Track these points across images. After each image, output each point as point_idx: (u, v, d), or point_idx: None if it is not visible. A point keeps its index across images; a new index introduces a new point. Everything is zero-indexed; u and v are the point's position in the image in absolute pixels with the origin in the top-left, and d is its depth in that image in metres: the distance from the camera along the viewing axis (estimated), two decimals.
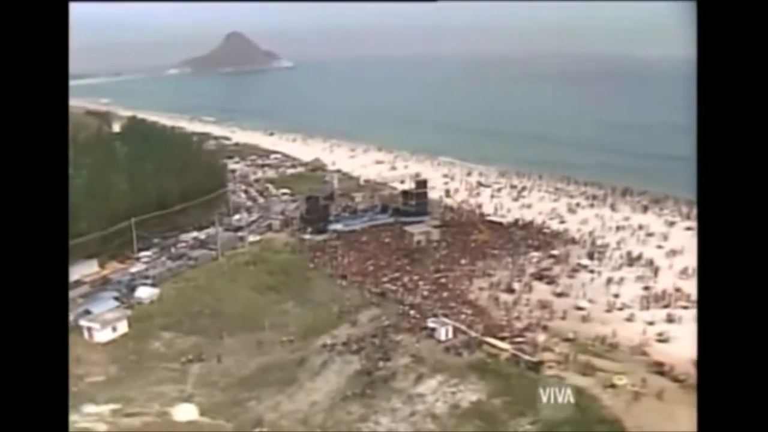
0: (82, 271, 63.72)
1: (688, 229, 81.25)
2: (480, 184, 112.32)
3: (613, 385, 41.27)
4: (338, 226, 77.96)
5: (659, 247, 74.08)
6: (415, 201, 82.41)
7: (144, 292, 59.44)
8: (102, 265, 67.11)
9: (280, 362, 49.08)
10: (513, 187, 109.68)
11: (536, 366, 44.12)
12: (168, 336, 53.24)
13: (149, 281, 63.14)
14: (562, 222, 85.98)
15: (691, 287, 59.93)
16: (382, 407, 42.55)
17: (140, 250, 72.56)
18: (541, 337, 49.14)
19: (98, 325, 49.90)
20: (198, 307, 58.57)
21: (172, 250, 73.80)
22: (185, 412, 41.54)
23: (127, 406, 41.54)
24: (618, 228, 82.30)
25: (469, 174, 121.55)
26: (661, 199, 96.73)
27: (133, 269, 67.48)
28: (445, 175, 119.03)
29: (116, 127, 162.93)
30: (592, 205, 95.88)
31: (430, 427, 40.39)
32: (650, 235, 79.13)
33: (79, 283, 61.55)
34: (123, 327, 52.51)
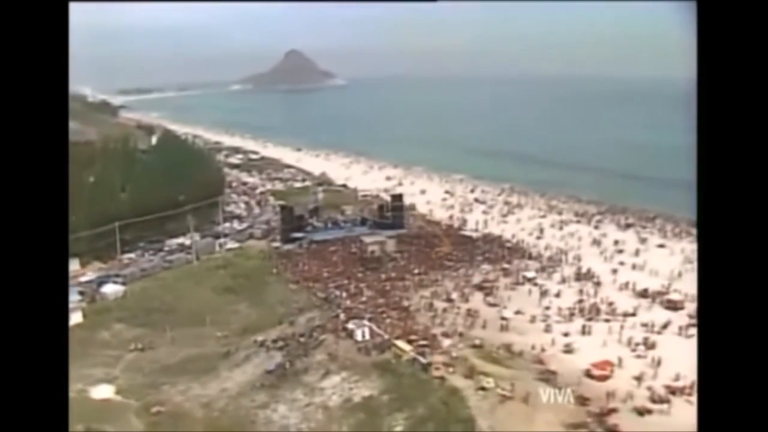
0: None
1: (660, 246, 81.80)
2: (476, 200, 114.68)
3: (483, 388, 43.60)
4: (313, 236, 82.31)
5: (621, 263, 74.80)
6: (392, 214, 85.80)
7: (109, 289, 65.52)
8: (84, 265, 73.71)
9: (206, 354, 53.51)
10: (507, 203, 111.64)
11: (426, 367, 46.92)
12: (118, 327, 58.73)
13: (120, 279, 69.20)
14: (539, 238, 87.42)
15: (622, 300, 61.47)
16: (285, 397, 46.07)
17: (125, 252, 79.13)
18: (447, 342, 51.75)
19: None
20: (156, 303, 64.00)
21: (151, 253, 79.90)
22: (102, 391, 46.46)
23: None
24: (592, 244, 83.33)
25: (472, 191, 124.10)
26: (651, 218, 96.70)
27: (112, 269, 73.79)
28: (447, 192, 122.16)
29: (154, 140, 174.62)
30: (578, 222, 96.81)
31: (319, 418, 43.69)
32: (620, 251, 79.79)
33: None
34: (77, 318, 58.21)
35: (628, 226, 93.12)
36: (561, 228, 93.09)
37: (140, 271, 73.05)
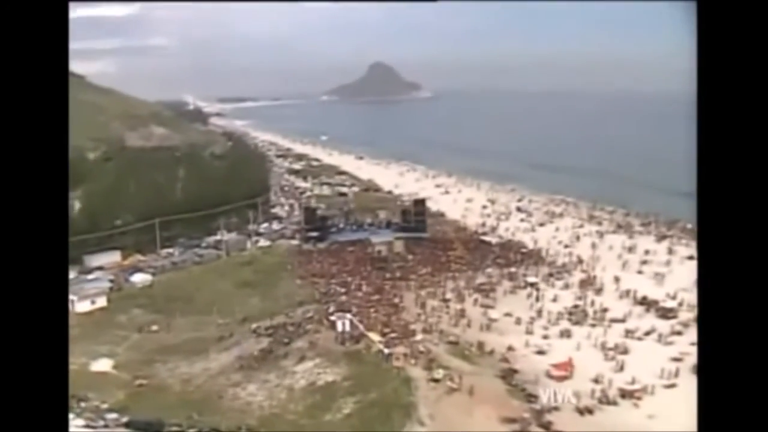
0: (105, 259, 78.17)
1: (690, 258, 78.75)
2: (518, 209, 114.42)
3: (434, 380, 45.19)
4: (336, 237, 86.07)
5: (640, 272, 73.53)
6: (414, 219, 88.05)
7: (138, 278, 72.00)
8: (125, 257, 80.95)
9: (203, 337, 58.03)
10: (549, 213, 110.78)
11: (388, 358, 49.07)
12: (136, 312, 64.61)
13: (151, 270, 75.70)
14: (566, 246, 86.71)
15: (618, 307, 60.72)
16: (258, 378, 49.70)
17: (166, 247, 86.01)
18: (420, 337, 53.50)
19: (76, 297, 62.40)
20: (177, 293, 69.63)
21: (188, 248, 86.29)
22: (101, 365, 51.83)
23: None
24: (620, 253, 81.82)
25: (519, 200, 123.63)
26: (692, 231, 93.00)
27: (149, 261, 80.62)
28: (490, 200, 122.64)
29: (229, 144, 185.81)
30: (614, 232, 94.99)
31: (281, 397, 46.85)
32: (645, 262, 77.98)
33: (98, 269, 76.09)
34: (102, 302, 64.71)
35: (664, 237, 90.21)
36: (599, 237, 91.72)
37: (171, 264, 79.44)
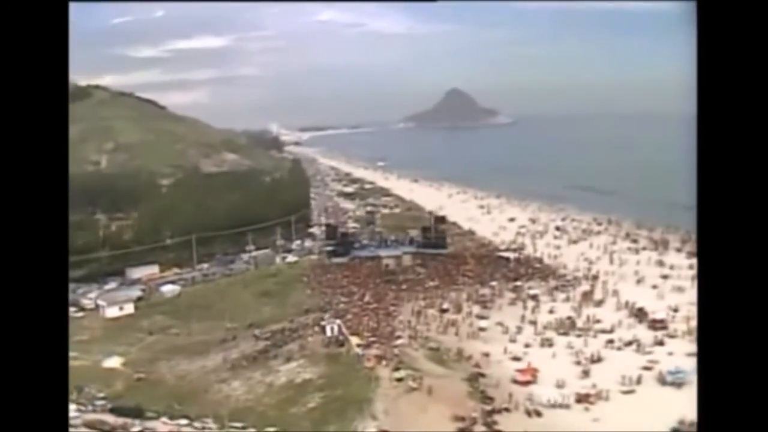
0: (144, 272, 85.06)
1: None
2: (557, 228, 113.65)
3: (398, 379, 47.09)
4: (359, 252, 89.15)
5: (654, 286, 72.22)
6: (434, 235, 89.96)
7: (167, 288, 77.91)
8: (163, 270, 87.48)
9: (208, 340, 62.42)
10: (586, 231, 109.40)
11: (360, 359, 51.52)
12: (158, 318, 70.10)
13: (182, 282, 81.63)
14: (591, 263, 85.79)
15: (610, 319, 60.12)
16: (243, 375, 53.47)
17: (203, 261, 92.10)
18: (401, 342, 55.46)
19: (105, 303, 68.77)
20: (200, 302, 74.86)
21: (223, 262, 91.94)
22: (111, 362, 57.15)
23: (80, 354, 58.05)
24: (636, 270, 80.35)
25: (563, 219, 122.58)
26: None
27: (184, 273, 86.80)
28: (531, 219, 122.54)
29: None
30: (644, 249, 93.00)
31: (259, 392, 50.36)
32: (665, 276, 76.34)
33: (137, 281, 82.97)
34: (129, 308, 70.72)
35: (693, 254, 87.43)
36: (635, 253, 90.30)
37: (202, 276, 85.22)
